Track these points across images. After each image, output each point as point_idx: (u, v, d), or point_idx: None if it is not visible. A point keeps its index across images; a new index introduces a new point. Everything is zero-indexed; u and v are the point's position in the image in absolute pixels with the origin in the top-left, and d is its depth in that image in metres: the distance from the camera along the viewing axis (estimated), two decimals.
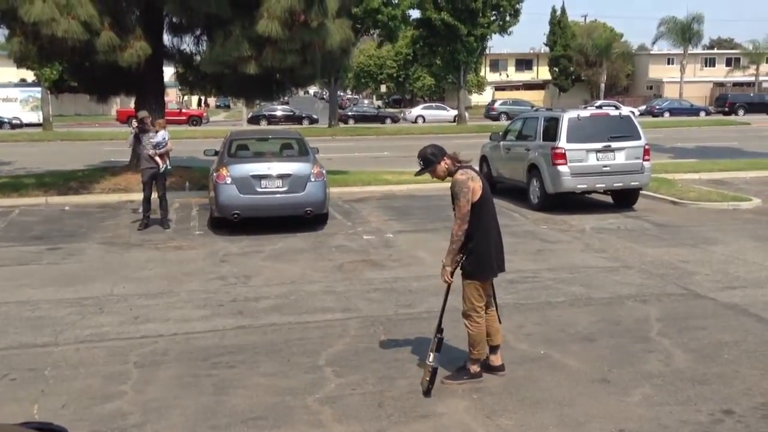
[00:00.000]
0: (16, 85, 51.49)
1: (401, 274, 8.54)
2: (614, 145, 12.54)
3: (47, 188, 15.29)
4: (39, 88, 42.90)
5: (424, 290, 7.72)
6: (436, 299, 6.96)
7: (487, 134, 17.67)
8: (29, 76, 46.56)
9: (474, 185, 5.08)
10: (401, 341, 6.17)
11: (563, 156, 12.33)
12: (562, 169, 12.33)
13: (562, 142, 12.39)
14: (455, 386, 5.20)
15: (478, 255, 5.15)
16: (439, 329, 5.19)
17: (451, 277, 5.15)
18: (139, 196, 12.69)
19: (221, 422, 4.70)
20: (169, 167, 11.71)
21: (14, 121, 44.52)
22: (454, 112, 47.68)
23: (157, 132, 11.44)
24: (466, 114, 45.98)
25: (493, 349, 5.40)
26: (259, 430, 4.59)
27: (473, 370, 5.28)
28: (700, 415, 4.67)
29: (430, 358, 5.07)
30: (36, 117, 44.25)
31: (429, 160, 5.22)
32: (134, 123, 11.93)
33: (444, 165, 5.20)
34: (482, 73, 68.85)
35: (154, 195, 11.69)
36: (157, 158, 11.30)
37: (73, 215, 13.14)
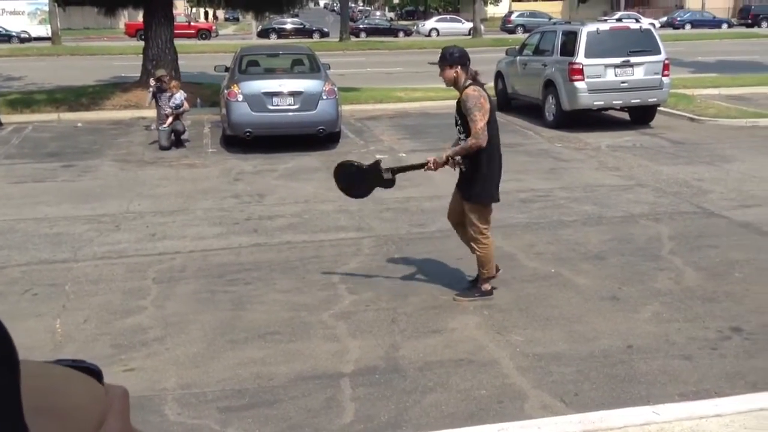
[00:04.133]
0: None
1: (414, 193, 8.55)
2: (633, 60, 12.24)
3: (59, 104, 15.24)
4: (46, 1, 42.02)
5: (436, 210, 7.73)
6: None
7: (503, 48, 17.28)
8: None
9: (486, 104, 5.00)
10: (414, 260, 6.24)
11: (581, 72, 12.06)
12: (579, 85, 12.08)
13: (580, 57, 12.09)
14: (466, 303, 5.30)
15: (483, 180, 5.11)
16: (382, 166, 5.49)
17: (437, 169, 5.28)
18: (150, 113, 12.67)
19: (239, 336, 4.84)
20: (185, 129, 11.70)
21: (23, 35, 43.87)
22: (469, 25, 46.34)
23: (173, 94, 11.35)
24: (482, 27, 44.66)
25: None
26: (276, 344, 4.72)
27: (484, 288, 5.37)
28: (709, 332, 4.75)
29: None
30: (44, 31, 43.52)
31: (445, 58, 5.14)
32: (152, 81, 11.78)
33: (454, 72, 5.10)
34: None
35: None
36: (170, 118, 11.25)
37: (86, 132, 13.14)
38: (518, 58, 14.39)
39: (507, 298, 5.39)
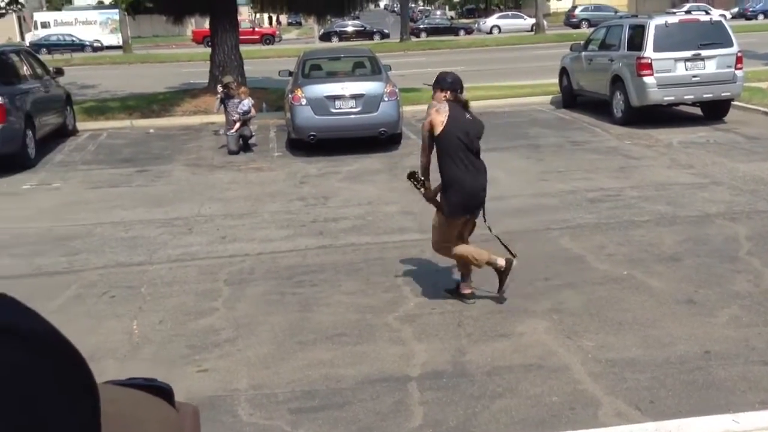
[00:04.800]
0: (94, 8, 52.53)
1: None
2: (704, 53, 11.82)
3: (131, 111, 15.77)
4: (116, 10, 43.66)
5: (500, 210, 7.62)
6: (511, 220, 6.94)
7: (567, 44, 16.95)
8: None
9: (436, 117, 5.04)
10: None
11: (649, 66, 11.71)
12: (648, 80, 11.74)
13: (649, 52, 11.75)
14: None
15: (451, 193, 5.15)
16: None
17: (425, 192, 5.41)
18: (218, 118, 13.00)
19: (307, 338, 4.91)
20: (253, 134, 11.94)
21: (95, 44, 45.70)
22: (532, 21, 45.68)
23: (241, 100, 11.64)
24: (545, 22, 43.96)
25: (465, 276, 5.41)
26: (343, 346, 4.77)
27: (501, 264, 5.26)
28: None
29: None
30: (116, 39, 45.22)
31: (436, 82, 5.36)
32: (219, 88, 12.12)
33: (443, 96, 5.23)
34: None
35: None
36: (238, 124, 11.54)
37: (158, 138, 13.56)
38: (583, 53, 14.09)
39: (577, 301, 5.29)
